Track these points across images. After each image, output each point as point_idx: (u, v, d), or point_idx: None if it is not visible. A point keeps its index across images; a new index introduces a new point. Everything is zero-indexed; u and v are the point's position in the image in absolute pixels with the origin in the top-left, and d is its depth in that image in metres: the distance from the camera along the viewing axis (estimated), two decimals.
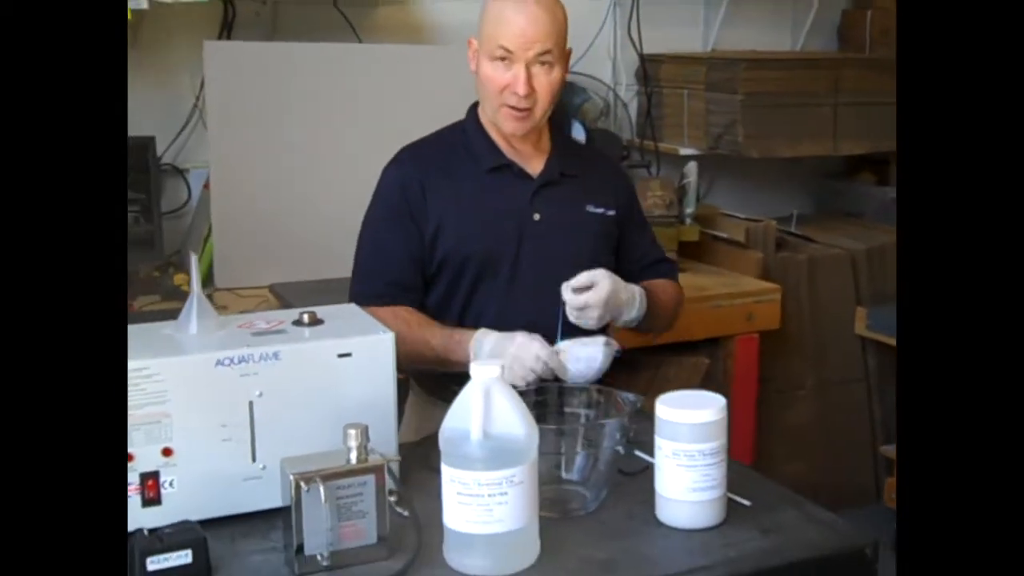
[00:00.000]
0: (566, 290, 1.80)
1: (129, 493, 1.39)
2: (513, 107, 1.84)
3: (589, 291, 1.80)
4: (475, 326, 1.85)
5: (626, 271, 1.94)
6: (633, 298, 1.88)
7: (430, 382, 1.97)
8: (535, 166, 1.93)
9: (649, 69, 3.53)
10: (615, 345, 1.81)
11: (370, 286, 1.87)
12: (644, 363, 2.90)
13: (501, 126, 1.88)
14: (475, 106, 1.97)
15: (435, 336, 1.83)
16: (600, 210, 1.95)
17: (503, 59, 1.82)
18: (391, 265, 1.88)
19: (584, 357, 1.76)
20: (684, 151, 3.42)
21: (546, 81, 1.83)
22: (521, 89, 1.81)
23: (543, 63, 1.82)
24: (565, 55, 1.87)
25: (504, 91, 1.83)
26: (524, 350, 1.73)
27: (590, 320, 1.80)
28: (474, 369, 1.33)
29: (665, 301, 2.01)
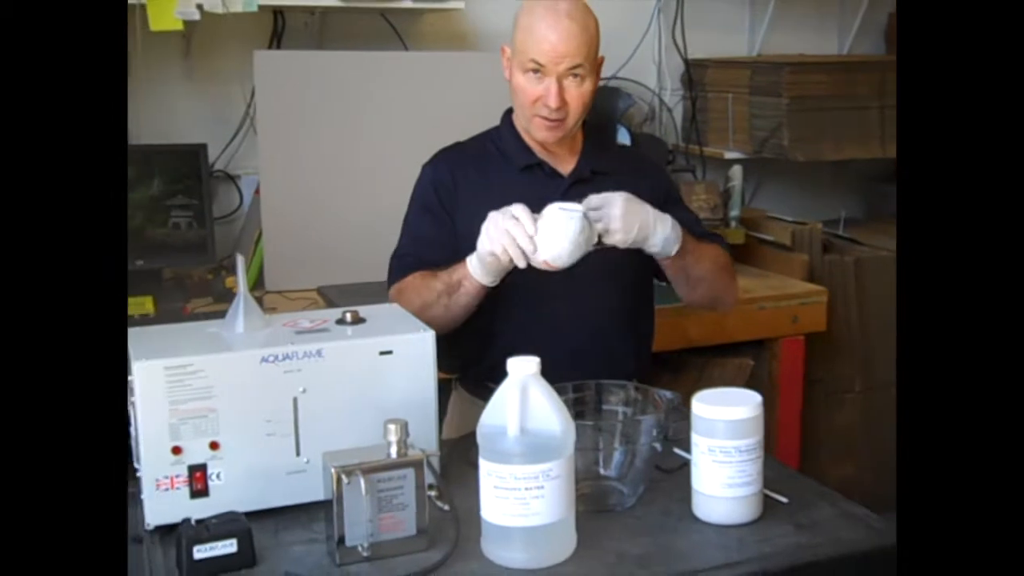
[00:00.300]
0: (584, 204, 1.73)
1: (178, 484, 1.44)
2: (545, 117, 1.87)
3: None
4: (506, 325, 1.90)
5: None
6: (664, 221, 1.78)
7: (472, 382, 2.00)
8: (567, 166, 1.96)
9: (694, 74, 3.53)
10: (594, 228, 1.73)
11: (400, 265, 1.94)
12: (689, 364, 2.92)
13: (534, 134, 1.92)
14: (509, 111, 2.00)
15: (440, 271, 1.85)
16: None
17: (535, 72, 1.85)
18: (420, 247, 1.93)
19: (563, 215, 1.69)
20: (729, 155, 3.42)
21: (577, 93, 1.85)
22: (553, 102, 1.83)
23: (575, 76, 1.84)
24: (597, 65, 1.89)
25: (536, 102, 1.86)
26: (501, 212, 1.71)
27: (613, 221, 1.72)
28: (511, 365, 1.36)
29: (708, 254, 1.93)
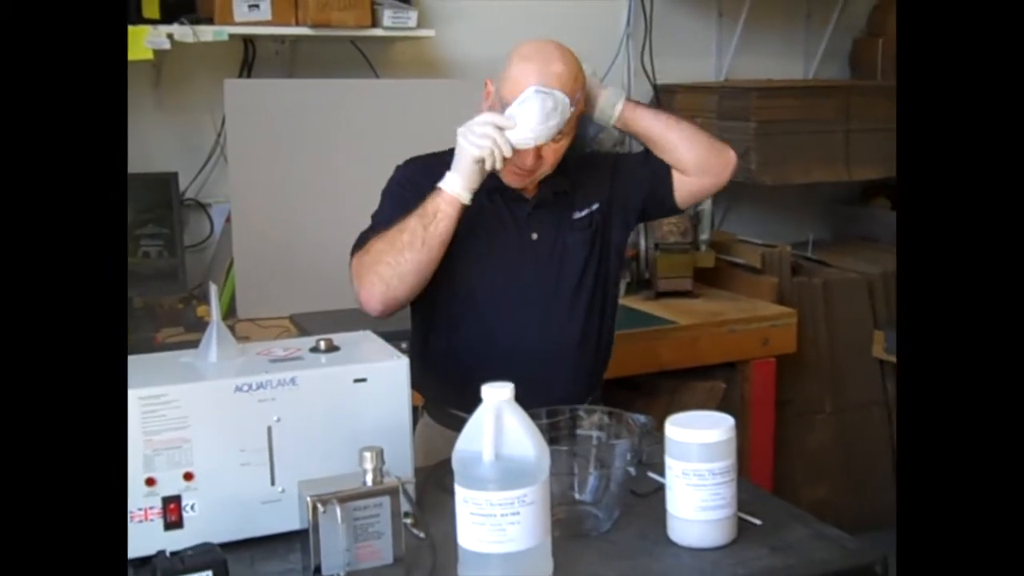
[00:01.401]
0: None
1: (151, 517, 1.43)
2: (517, 168, 1.87)
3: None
4: (477, 341, 1.92)
5: (650, 183, 2.01)
6: (605, 87, 1.93)
7: (440, 411, 2.00)
8: (530, 190, 1.96)
9: (663, 99, 3.57)
10: (564, 99, 1.80)
11: (363, 240, 1.92)
12: (661, 388, 2.93)
13: (501, 177, 1.90)
14: None
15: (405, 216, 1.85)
16: (584, 212, 1.97)
17: None
18: (386, 225, 1.90)
19: (536, 94, 1.77)
20: None
21: (552, 150, 1.86)
22: (529, 163, 1.84)
23: (554, 140, 1.84)
24: (575, 121, 1.89)
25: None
26: (470, 122, 1.79)
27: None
28: (486, 392, 1.37)
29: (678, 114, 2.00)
